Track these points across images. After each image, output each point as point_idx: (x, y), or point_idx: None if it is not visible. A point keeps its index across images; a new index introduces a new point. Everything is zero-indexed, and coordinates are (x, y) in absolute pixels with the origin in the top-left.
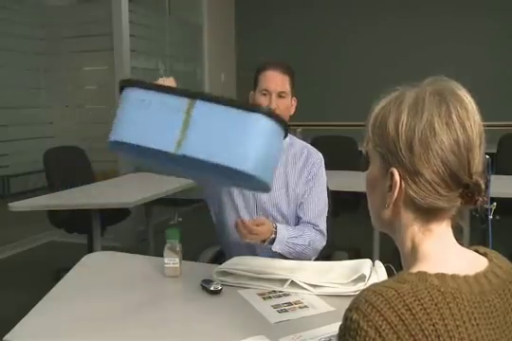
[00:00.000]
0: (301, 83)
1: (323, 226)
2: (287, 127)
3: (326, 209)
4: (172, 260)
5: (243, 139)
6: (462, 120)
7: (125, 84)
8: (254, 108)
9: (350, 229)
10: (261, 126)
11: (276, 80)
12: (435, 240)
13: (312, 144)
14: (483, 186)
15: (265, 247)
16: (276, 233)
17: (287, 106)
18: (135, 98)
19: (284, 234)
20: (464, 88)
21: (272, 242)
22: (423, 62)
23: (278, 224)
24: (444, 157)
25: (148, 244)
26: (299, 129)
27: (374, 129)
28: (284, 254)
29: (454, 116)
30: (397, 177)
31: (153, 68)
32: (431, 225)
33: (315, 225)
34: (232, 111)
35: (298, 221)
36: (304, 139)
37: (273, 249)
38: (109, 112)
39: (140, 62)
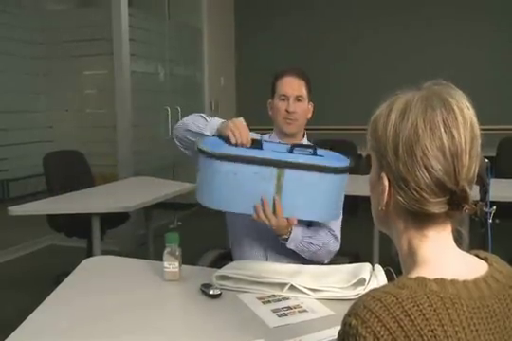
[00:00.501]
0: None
1: (338, 232)
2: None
3: (341, 216)
4: (171, 265)
5: (335, 198)
6: (448, 126)
7: (214, 157)
8: (342, 168)
9: (349, 233)
10: (345, 180)
11: (293, 85)
12: (433, 244)
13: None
14: (470, 193)
15: (275, 250)
16: (291, 233)
17: (305, 110)
18: (226, 172)
19: (299, 233)
20: (460, 92)
21: (286, 239)
22: (424, 66)
23: (293, 226)
24: (427, 164)
25: (147, 248)
26: None
27: (370, 132)
28: (299, 252)
29: (439, 122)
30: (386, 182)
31: (152, 72)
32: (428, 230)
33: (330, 230)
34: (319, 174)
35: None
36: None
37: (288, 246)
38: (109, 116)
39: (140, 65)
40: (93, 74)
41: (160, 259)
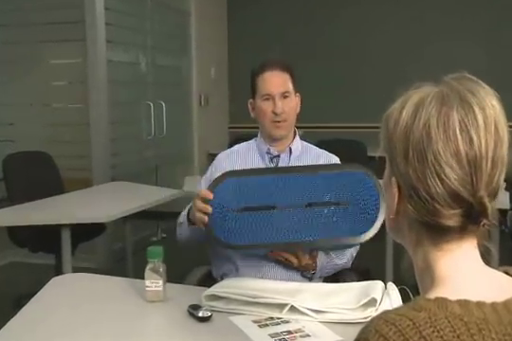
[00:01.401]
0: (304, 80)
1: None
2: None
3: None
4: (154, 283)
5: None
6: (465, 128)
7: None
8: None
9: (360, 248)
10: None
11: (276, 81)
12: (453, 259)
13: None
14: (489, 206)
15: (272, 267)
16: (316, 265)
17: (294, 107)
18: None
19: (323, 260)
20: (485, 89)
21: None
22: (443, 58)
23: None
24: (440, 171)
25: (126, 265)
26: (300, 131)
27: (382, 131)
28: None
29: (455, 123)
30: (395, 189)
31: (132, 62)
32: (445, 243)
33: None
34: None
35: None
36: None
37: (308, 276)
38: (81, 112)
39: (118, 54)
40: (63, 63)
41: (141, 276)
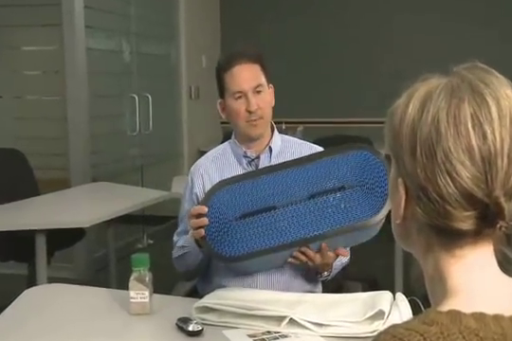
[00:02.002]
0: (303, 71)
1: None
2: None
3: None
4: (139, 294)
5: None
6: (478, 121)
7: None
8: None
9: (365, 254)
10: None
11: (247, 76)
12: (467, 267)
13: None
14: (506, 207)
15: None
16: (332, 266)
17: (269, 101)
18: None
19: (334, 260)
20: (500, 78)
21: (328, 275)
22: (455, 49)
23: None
24: (451, 169)
25: (109, 274)
26: (300, 127)
27: (387, 126)
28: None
29: (467, 117)
30: (402, 190)
31: (115, 49)
32: (457, 249)
33: None
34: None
35: None
36: (304, 140)
37: (321, 279)
38: (58, 105)
39: (98, 41)
40: (36, 50)
41: (125, 287)
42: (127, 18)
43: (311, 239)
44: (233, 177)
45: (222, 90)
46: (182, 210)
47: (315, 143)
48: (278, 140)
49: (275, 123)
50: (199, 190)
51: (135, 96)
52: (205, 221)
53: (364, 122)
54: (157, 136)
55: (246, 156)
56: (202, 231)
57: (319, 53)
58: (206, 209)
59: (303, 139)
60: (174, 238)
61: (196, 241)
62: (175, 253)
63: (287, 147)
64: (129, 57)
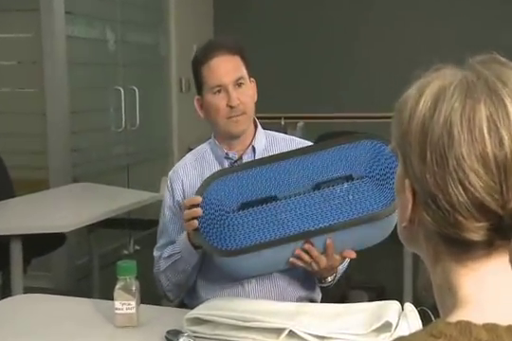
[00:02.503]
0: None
1: None
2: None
3: None
4: (125, 305)
5: None
6: (495, 125)
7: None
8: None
9: (371, 261)
10: None
11: (226, 68)
12: (479, 277)
13: (315, 143)
14: None
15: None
16: (336, 270)
17: (251, 95)
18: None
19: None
20: None
21: (332, 280)
22: (466, 40)
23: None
24: (463, 178)
25: (91, 283)
26: (300, 123)
27: (395, 122)
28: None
29: (482, 120)
30: (409, 194)
31: (98, 38)
32: (468, 259)
33: None
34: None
35: None
36: (304, 137)
37: (324, 286)
38: (35, 98)
39: (80, 28)
40: (10, 37)
41: (110, 297)
42: (112, 3)
43: (315, 232)
44: (231, 167)
45: (199, 85)
46: (162, 222)
47: (318, 140)
48: (262, 138)
49: (273, 119)
50: (181, 198)
51: (120, 88)
52: (198, 211)
53: (370, 117)
54: (145, 133)
55: (227, 158)
56: (195, 222)
57: (324, 44)
58: (200, 199)
59: (301, 136)
60: (155, 253)
61: (188, 236)
62: (163, 265)
63: (273, 144)
64: (114, 46)
